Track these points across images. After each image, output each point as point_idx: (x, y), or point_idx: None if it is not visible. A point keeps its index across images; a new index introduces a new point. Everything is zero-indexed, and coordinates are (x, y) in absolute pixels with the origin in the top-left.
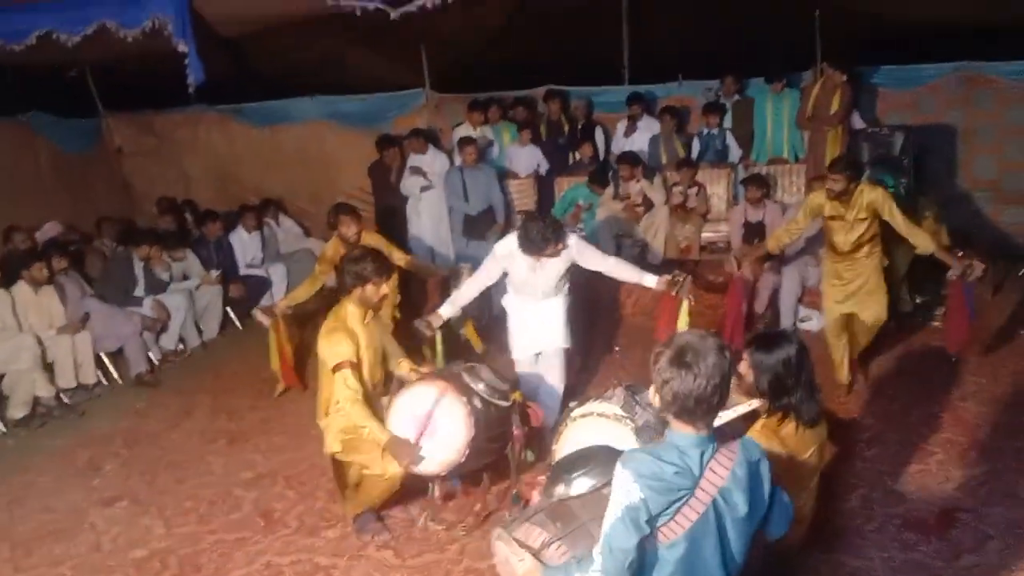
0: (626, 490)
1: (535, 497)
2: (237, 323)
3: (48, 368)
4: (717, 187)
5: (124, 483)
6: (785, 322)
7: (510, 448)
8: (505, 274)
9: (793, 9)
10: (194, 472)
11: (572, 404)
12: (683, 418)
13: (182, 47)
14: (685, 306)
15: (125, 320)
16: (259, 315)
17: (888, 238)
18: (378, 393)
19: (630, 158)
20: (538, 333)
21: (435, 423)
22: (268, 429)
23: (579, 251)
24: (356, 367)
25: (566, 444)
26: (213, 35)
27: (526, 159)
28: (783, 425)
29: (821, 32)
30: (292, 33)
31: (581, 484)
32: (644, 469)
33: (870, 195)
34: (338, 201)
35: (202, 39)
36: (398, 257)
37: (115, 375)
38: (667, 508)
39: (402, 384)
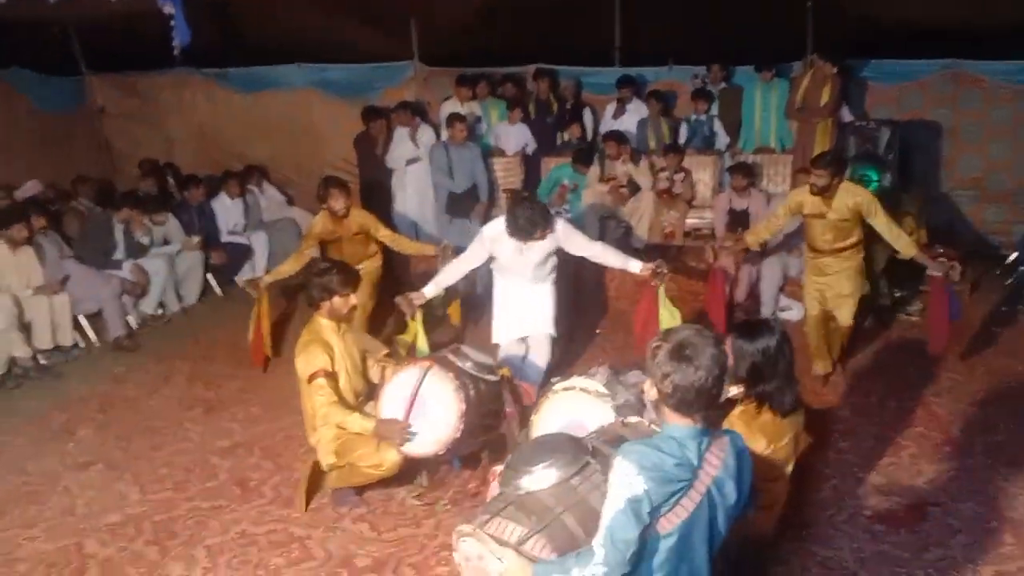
0: (628, 482)
1: (493, 489)
2: (217, 290)
3: (25, 328)
4: (703, 174)
5: (99, 448)
6: (766, 311)
7: (506, 425)
8: (491, 258)
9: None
10: (171, 439)
11: (554, 379)
12: (682, 410)
13: (168, 8)
14: (662, 291)
15: (104, 282)
16: (248, 288)
17: (868, 233)
18: (362, 402)
19: (616, 136)
20: (525, 318)
21: (424, 402)
22: (246, 399)
23: (565, 236)
24: (331, 376)
25: (546, 415)
26: None
27: (515, 137)
28: (760, 413)
29: (813, 24)
30: None
31: (547, 476)
32: (646, 461)
33: (855, 197)
34: (325, 173)
35: (188, 1)
36: (384, 234)
37: (93, 338)
38: (668, 499)
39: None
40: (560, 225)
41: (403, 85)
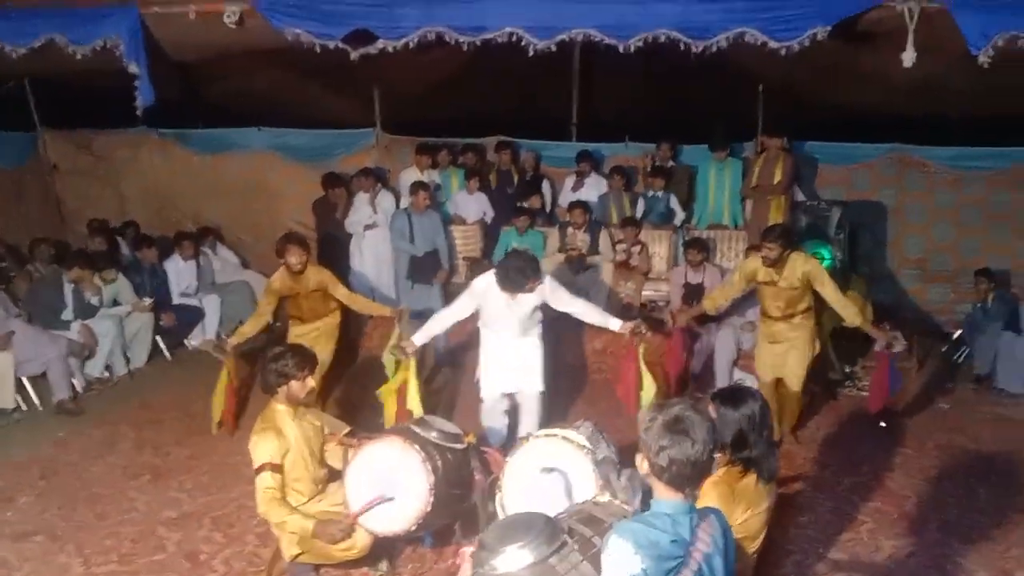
0: (626, 561)
1: (464, 571)
2: (166, 353)
3: None
4: (659, 247)
5: (40, 517)
6: (720, 383)
7: (476, 494)
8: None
9: (738, 82)
10: (116, 508)
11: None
12: (675, 484)
13: (133, 68)
14: (641, 352)
15: (50, 343)
16: (214, 351)
17: (817, 303)
18: (320, 488)
19: (583, 205)
20: (513, 373)
21: (392, 477)
22: (194, 467)
23: (552, 291)
24: (277, 469)
25: (525, 456)
26: (163, 58)
27: (474, 206)
28: (744, 477)
29: (764, 106)
30: (244, 62)
31: (521, 557)
32: (642, 539)
33: (805, 266)
34: (282, 234)
35: (152, 61)
36: (342, 293)
37: (35, 400)
38: None
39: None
40: (547, 280)
41: (364, 151)
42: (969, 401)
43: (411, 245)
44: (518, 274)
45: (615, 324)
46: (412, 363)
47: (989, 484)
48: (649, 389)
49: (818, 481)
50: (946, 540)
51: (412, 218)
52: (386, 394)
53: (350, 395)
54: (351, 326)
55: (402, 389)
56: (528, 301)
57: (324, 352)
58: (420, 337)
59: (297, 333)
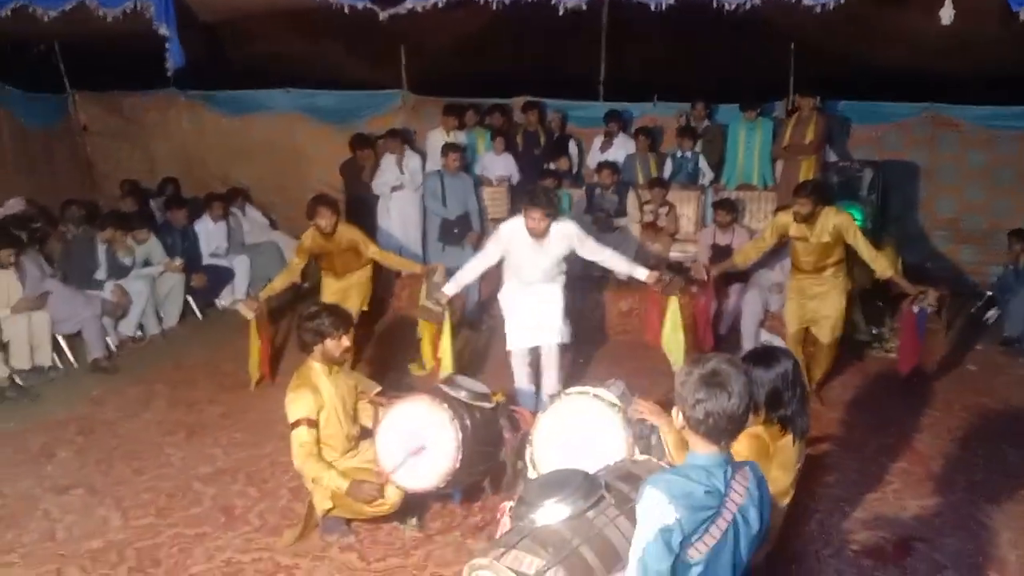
0: (660, 512)
1: (504, 524)
2: (198, 313)
3: (2, 348)
4: (687, 208)
5: (79, 471)
6: (747, 345)
7: (504, 452)
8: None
9: (769, 41)
10: (152, 463)
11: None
12: (711, 437)
13: (163, 30)
14: (675, 304)
15: (85, 303)
16: (242, 307)
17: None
18: (352, 445)
19: (612, 166)
20: (536, 325)
21: (421, 436)
22: (228, 424)
23: (580, 239)
24: (313, 425)
25: (556, 414)
26: (191, 19)
27: (501, 167)
28: (783, 436)
29: (795, 65)
30: (272, 23)
31: (559, 510)
32: (676, 490)
33: (836, 219)
34: (309, 198)
35: (181, 23)
36: (373, 251)
37: (71, 359)
38: (698, 527)
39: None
40: (576, 228)
41: (390, 113)
42: (997, 363)
43: (443, 207)
44: (546, 193)
45: (642, 273)
46: (447, 315)
47: (1016, 446)
48: (675, 331)
49: (845, 442)
50: (972, 500)
51: (444, 180)
52: (425, 342)
53: (380, 354)
54: (381, 284)
55: (436, 340)
56: (555, 249)
57: (355, 306)
58: (451, 287)
59: (331, 288)
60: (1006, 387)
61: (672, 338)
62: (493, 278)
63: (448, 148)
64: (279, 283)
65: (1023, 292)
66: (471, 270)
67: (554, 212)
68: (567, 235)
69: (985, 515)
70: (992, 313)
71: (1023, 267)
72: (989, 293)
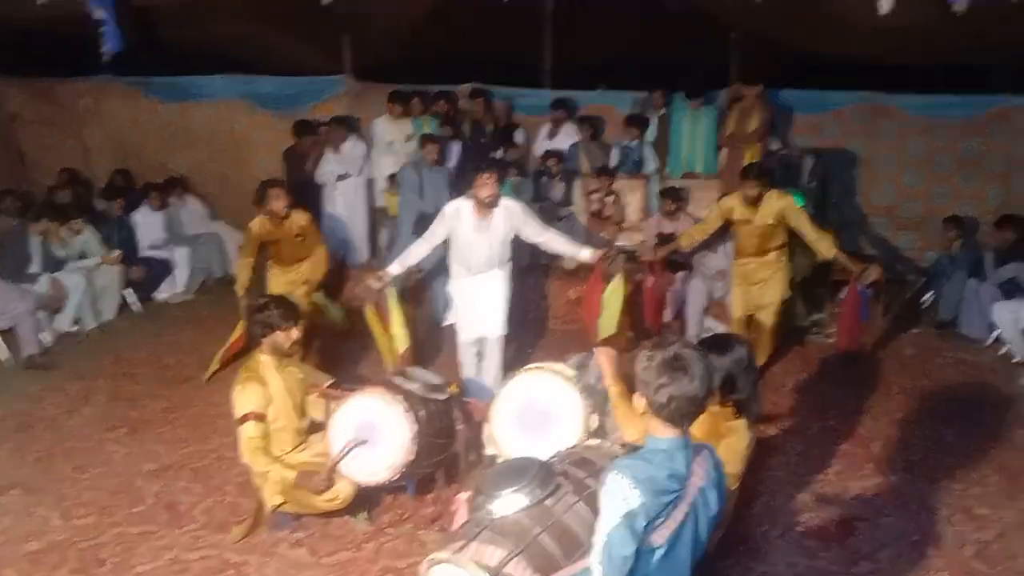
0: (624, 496)
1: (461, 515)
2: (136, 306)
3: None
4: (632, 197)
5: (16, 471)
6: (691, 331)
7: (458, 443)
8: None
9: (710, 30)
10: (93, 461)
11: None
12: (672, 421)
13: (99, 14)
14: (617, 282)
15: (19, 297)
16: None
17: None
18: (301, 440)
19: (558, 154)
20: (481, 315)
21: (374, 428)
22: (171, 419)
23: (524, 217)
24: (261, 419)
25: (512, 392)
26: (125, 2)
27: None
28: (736, 418)
29: (736, 53)
30: (209, 5)
31: (516, 500)
32: (640, 475)
33: (779, 202)
34: (250, 187)
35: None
36: (321, 250)
37: (5, 355)
38: (661, 511)
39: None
40: (521, 207)
41: (333, 99)
42: (934, 347)
43: (420, 200)
44: (495, 162)
45: (585, 253)
46: (392, 292)
47: (952, 426)
48: (611, 315)
49: (787, 425)
50: (912, 480)
51: (423, 172)
52: (372, 322)
53: (332, 346)
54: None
55: (385, 316)
56: (498, 228)
57: (305, 298)
58: (395, 267)
59: (280, 280)
60: (942, 369)
61: (606, 316)
62: None
63: (426, 139)
64: (244, 277)
65: (957, 277)
66: (416, 251)
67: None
68: (512, 212)
69: (923, 494)
70: (928, 297)
71: (956, 253)
72: (924, 278)
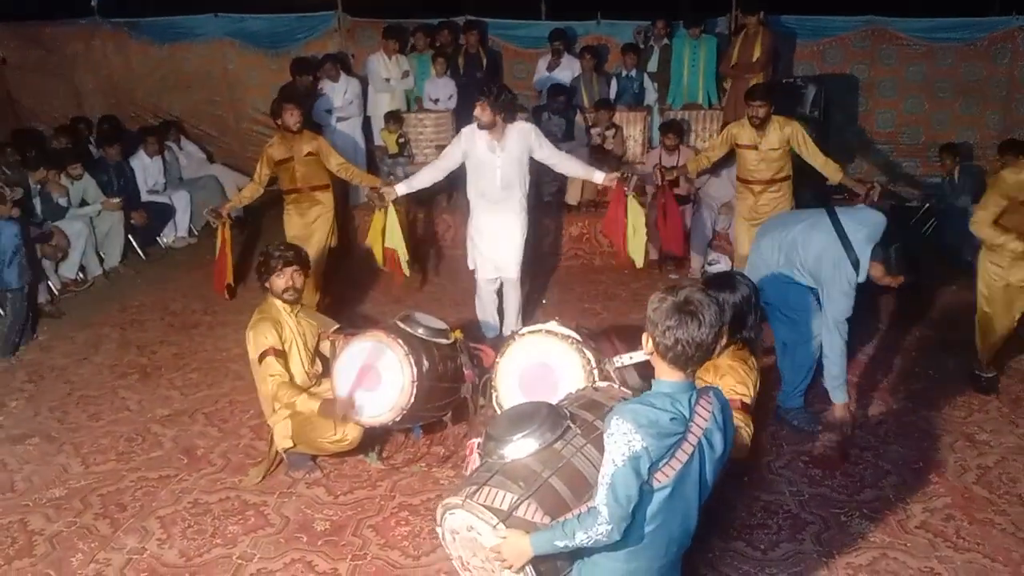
0: (627, 440)
1: (473, 461)
2: (140, 252)
3: None
4: (633, 130)
5: (33, 419)
6: (695, 264)
7: (465, 388)
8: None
9: None
10: (107, 408)
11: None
12: (677, 364)
13: None
14: (635, 206)
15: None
16: (209, 216)
17: None
18: (315, 382)
19: (560, 87)
20: (497, 256)
21: (376, 370)
22: (182, 364)
23: (537, 138)
24: (280, 354)
25: (513, 356)
26: None
27: (443, 90)
28: (750, 356)
29: None
30: None
31: (527, 444)
32: (642, 418)
33: (785, 128)
34: (245, 128)
35: None
36: (334, 162)
37: None
38: (664, 453)
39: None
40: (533, 128)
41: (326, 36)
42: (937, 274)
43: None
44: (510, 97)
45: (599, 176)
46: (391, 207)
47: (955, 354)
48: (640, 238)
49: None
50: (914, 409)
51: None
52: (372, 240)
53: (342, 293)
54: (345, 225)
55: (381, 235)
56: (512, 150)
57: (320, 242)
58: (404, 187)
59: (295, 225)
60: (945, 296)
61: (634, 241)
62: None
63: None
64: (247, 193)
65: (960, 202)
66: (431, 172)
67: (506, 111)
68: (524, 133)
69: (925, 422)
70: (930, 224)
71: (958, 180)
72: (927, 204)
